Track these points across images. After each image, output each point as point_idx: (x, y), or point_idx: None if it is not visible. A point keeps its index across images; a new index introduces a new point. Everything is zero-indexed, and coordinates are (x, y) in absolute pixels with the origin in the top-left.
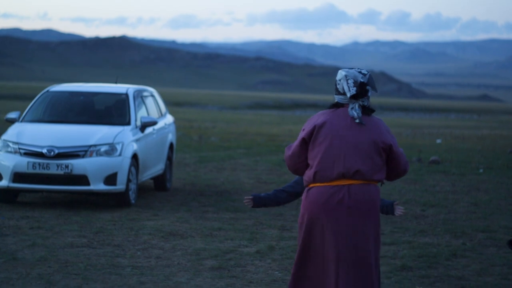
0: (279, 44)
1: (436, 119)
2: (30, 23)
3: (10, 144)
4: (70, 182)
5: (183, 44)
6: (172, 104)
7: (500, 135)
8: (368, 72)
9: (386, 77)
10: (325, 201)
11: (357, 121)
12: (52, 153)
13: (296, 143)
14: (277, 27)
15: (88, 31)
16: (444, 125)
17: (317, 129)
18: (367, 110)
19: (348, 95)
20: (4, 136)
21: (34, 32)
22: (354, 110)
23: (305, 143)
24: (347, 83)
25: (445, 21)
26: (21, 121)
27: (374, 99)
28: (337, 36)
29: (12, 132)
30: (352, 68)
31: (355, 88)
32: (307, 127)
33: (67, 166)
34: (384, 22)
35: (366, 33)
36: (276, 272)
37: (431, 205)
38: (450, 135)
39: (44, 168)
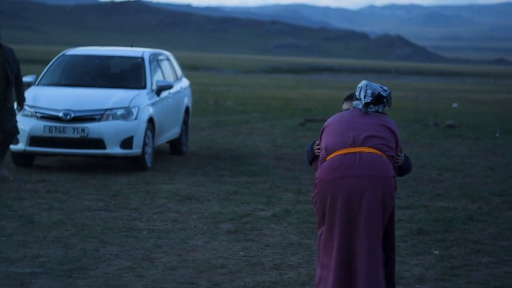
0: (295, 7)
1: (452, 83)
2: None
3: (27, 108)
4: (86, 146)
5: (198, 8)
6: (187, 68)
7: None
8: (389, 90)
9: (402, 41)
10: (338, 166)
11: (363, 110)
12: (68, 116)
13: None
14: None
15: None
16: (460, 89)
17: (325, 129)
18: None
19: (363, 101)
20: None
21: None
22: (362, 106)
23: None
24: (365, 92)
25: None
26: (37, 85)
27: (390, 63)
28: None
29: (28, 96)
30: (377, 84)
31: (371, 98)
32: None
33: (83, 130)
34: None
35: None
36: (292, 236)
37: (447, 169)
38: (466, 99)
39: (60, 132)
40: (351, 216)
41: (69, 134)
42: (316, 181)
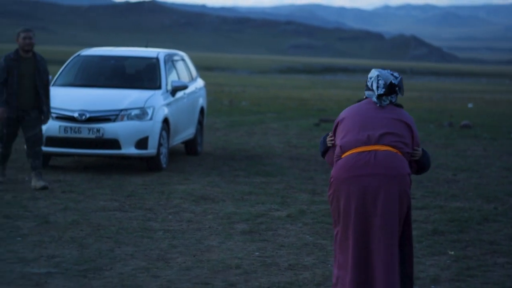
0: (310, 8)
1: (467, 84)
2: None
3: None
4: (101, 146)
5: (213, 8)
6: (202, 69)
7: None
8: (400, 75)
9: (417, 41)
10: (352, 164)
11: (378, 104)
12: (84, 117)
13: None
14: None
15: None
16: (475, 89)
17: (339, 123)
18: (393, 104)
19: (376, 93)
20: None
21: None
22: (378, 100)
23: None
24: (377, 83)
25: None
26: (53, 85)
27: (405, 64)
28: None
29: None
30: (386, 70)
31: (384, 89)
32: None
33: (98, 130)
34: None
35: None
36: (307, 236)
37: (462, 169)
38: (481, 100)
39: (76, 132)
40: (367, 215)
41: (84, 134)
42: (332, 180)
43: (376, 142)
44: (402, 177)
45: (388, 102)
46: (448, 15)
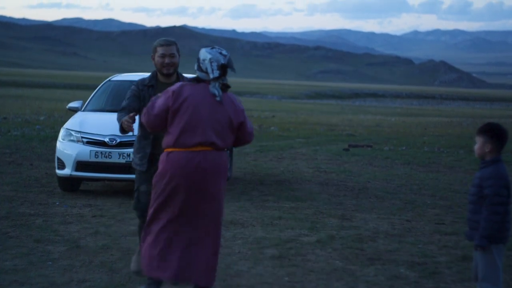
0: (339, 33)
1: (497, 109)
2: (92, 13)
3: (73, 133)
4: (131, 171)
5: (243, 34)
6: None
7: None
8: (228, 53)
9: (447, 67)
10: (184, 164)
11: (218, 99)
12: (114, 142)
13: (160, 108)
14: (337, 17)
15: (149, 21)
16: (505, 114)
17: (180, 101)
18: (224, 87)
19: (211, 76)
20: (67, 125)
21: (96, 22)
22: (215, 89)
23: (167, 110)
24: (211, 66)
25: (508, 10)
26: (84, 110)
27: (435, 89)
28: (398, 25)
29: (74, 121)
30: (214, 48)
31: (218, 72)
32: (168, 96)
33: (129, 155)
34: (445, 11)
35: (427, 22)
36: (337, 261)
37: None
38: (511, 125)
39: (106, 157)
40: (193, 210)
41: (115, 159)
42: (164, 170)
43: (209, 146)
44: (225, 171)
45: (220, 88)
46: (477, 40)
